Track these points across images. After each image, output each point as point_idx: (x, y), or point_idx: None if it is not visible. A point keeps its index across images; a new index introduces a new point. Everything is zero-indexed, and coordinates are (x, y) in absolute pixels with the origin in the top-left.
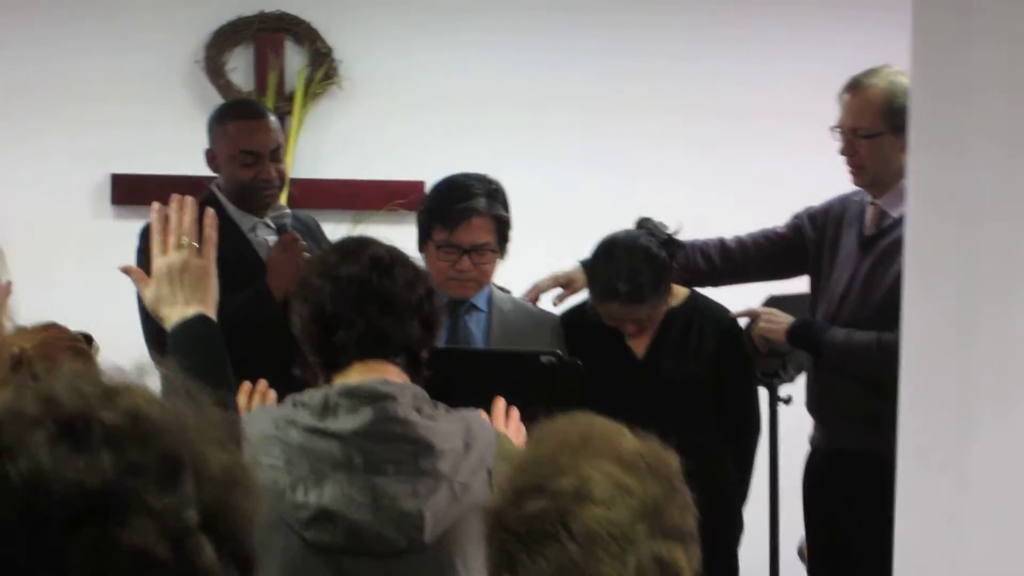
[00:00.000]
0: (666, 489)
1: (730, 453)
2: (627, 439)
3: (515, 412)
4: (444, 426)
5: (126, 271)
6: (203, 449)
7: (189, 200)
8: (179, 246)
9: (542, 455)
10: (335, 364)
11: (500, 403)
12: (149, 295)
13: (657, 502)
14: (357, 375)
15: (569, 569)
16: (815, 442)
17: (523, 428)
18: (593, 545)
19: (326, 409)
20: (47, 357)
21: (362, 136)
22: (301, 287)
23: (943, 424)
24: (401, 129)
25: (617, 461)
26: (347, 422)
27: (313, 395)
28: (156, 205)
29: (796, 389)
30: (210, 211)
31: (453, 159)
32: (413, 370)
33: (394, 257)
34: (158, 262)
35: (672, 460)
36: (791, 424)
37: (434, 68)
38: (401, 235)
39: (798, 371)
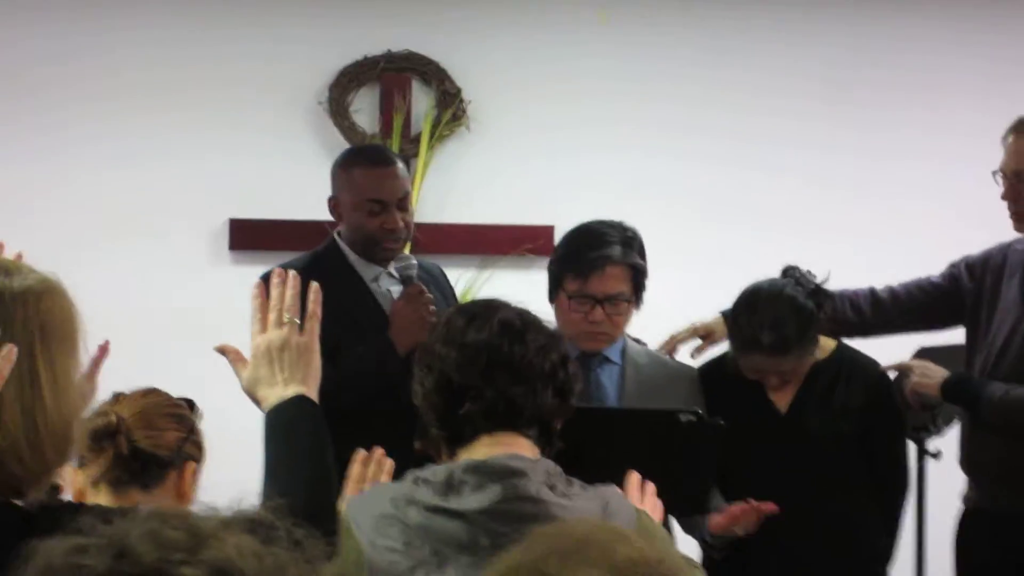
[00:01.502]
0: None
1: (877, 513)
2: (628, 546)
3: (651, 486)
4: (580, 504)
5: (221, 351)
6: None
7: (292, 274)
8: (280, 323)
9: (528, 562)
10: (460, 437)
11: (635, 477)
12: (246, 376)
13: None
14: (484, 449)
15: None
16: (969, 502)
17: (659, 504)
18: None
19: (450, 486)
20: (147, 425)
21: (490, 179)
22: (424, 354)
23: None
24: (530, 172)
25: (610, 570)
26: (473, 501)
27: (436, 471)
28: (257, 281)
29: (944, 443)
30: (314, 284)
31: (583, 204)
32: (546, 443)
33: (525, 321)
34: (257, 340)
35: (681, 571)
36: (937, 479)
37: (566, 106)
38: (529, 282)
39: (948, 423)
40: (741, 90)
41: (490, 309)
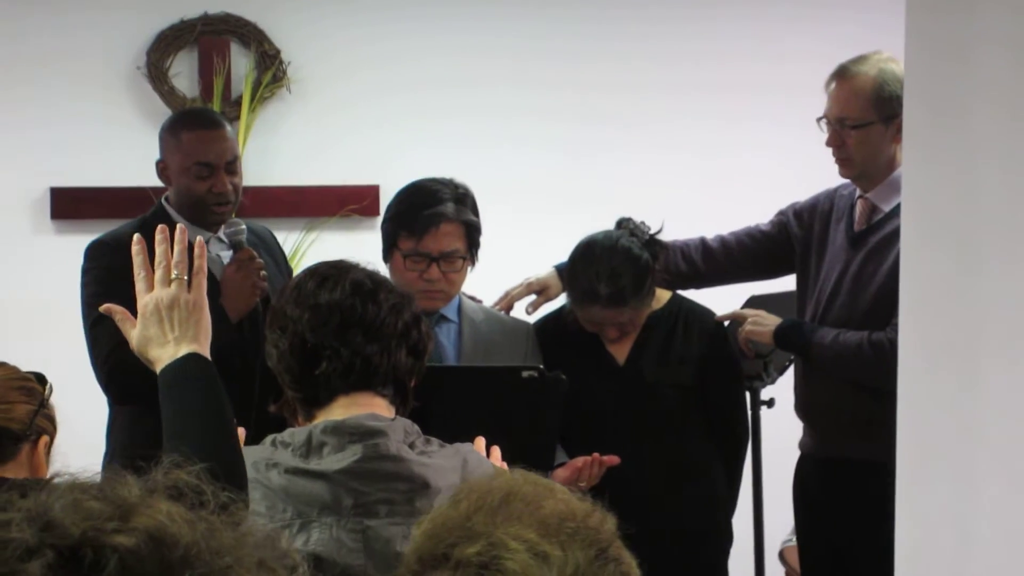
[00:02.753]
0: (593, 557)
1: (718, 462)
2: (554, 500)
3: (496, 450)
4: (439, 462)
5: (108, 312)
6: (242, 574)
7: (179, 228)
8: (167, 281)
9: (455, 518)
10: (317, 399)
11: (480, 441)
12: (136, 336)
13: (580, 570)
14: (341, 410)
15: None
16: (805, 447)
17: (505, 465)
18: None
19: (310, 448)
20: None
21: (313, 140)
22: (276, 317)
23: (944, 427)
24: (353, 131)
25: (537, 525)
26: (333, 461)
27: (295, 433)
28: (137, 236)
29: (777, 391)
30: (200, 239)
31: (409, 162)
32: (401, 402)
33: (376, 281)
34: (144, 300)
35: (607, 524)
36: (772, 427)
37: (387, 67)
38: (356, 242)
39: (780, 373)
40: (566, 46)
41: (341, 270)
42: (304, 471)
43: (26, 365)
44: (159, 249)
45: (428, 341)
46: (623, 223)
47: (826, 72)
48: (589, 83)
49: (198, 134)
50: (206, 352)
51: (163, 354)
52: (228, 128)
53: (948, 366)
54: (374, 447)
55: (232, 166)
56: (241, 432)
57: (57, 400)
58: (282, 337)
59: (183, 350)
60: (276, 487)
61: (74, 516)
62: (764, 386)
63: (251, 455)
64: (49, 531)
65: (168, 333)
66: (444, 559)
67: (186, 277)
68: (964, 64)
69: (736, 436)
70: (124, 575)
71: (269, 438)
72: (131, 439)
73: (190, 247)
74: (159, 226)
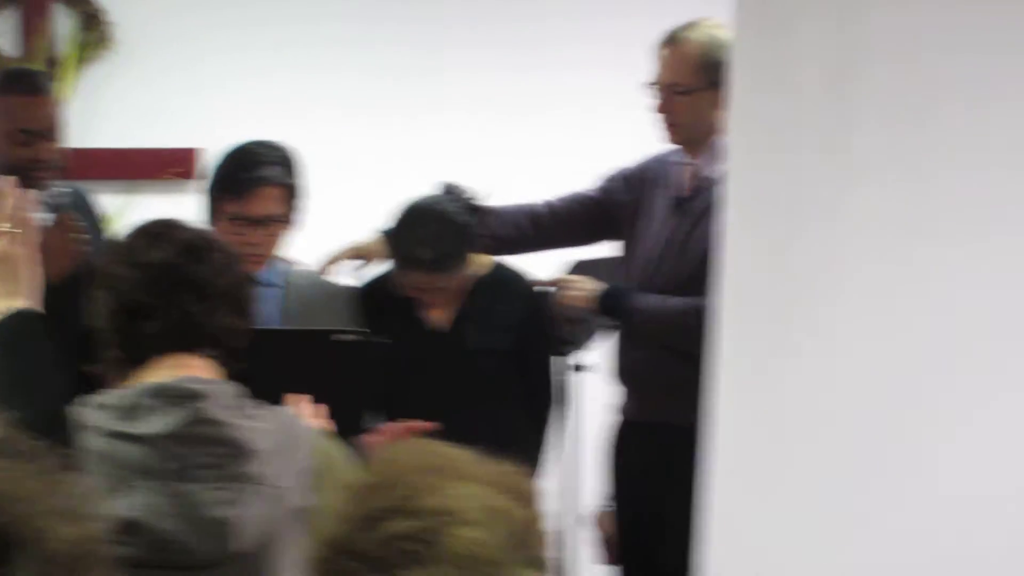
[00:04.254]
0: (533, 516)
1: (534, 425)
2: (487, 462)
3: (318, 409)
4: (261, 426)
5: None
6: (44, 523)
7: (9, 180)
8: None
9: (394, 477)
10: (141, 359)
11: (301, 400)
12: None
13: (527, 528)
14: (165, 372)
15: None
16: (624, 412)
17: (327, 424)
18: (465, 569)
19: (131, 411)
20: None
21: (136, 102)
22: (102, 276)
23: (758, 393)
24: (176, 94)
25: (484, 483)
26: (155, 425)
27: (116, 396)
28: None
29: (595, 356)
30: (29, 192)
31: (233, 126)
32: (226, 363)
33: (205, 240)
34: None
35: (534, 486)
36: (591, 391)
37: (211, 30)
38: (176, 205)
39: (601, 338)
40: (389, 9)
41: (170, 229)
42: (125, 435)
43: None
44: None
45: (254, 302)
46: (447, 188)
47: (654, 38)
48: (415, 44)
49: (20, 99)
50: (37, 306)
51: None
52: (52, 92)
53: (764, 332)
54: (196, 410)
55: (54, 132)
56: None
57: None
58: (108, 296)
59: (12, 305)
60: (96, 450)
61: None
62: (581, 351)
63: (71, 417)
64: None
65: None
66: (401, 511)
67: (17, 230)
68: (788, 33)
69: (551, 401)
70: None
71: (90, 399)
72: None
73: None
74: None
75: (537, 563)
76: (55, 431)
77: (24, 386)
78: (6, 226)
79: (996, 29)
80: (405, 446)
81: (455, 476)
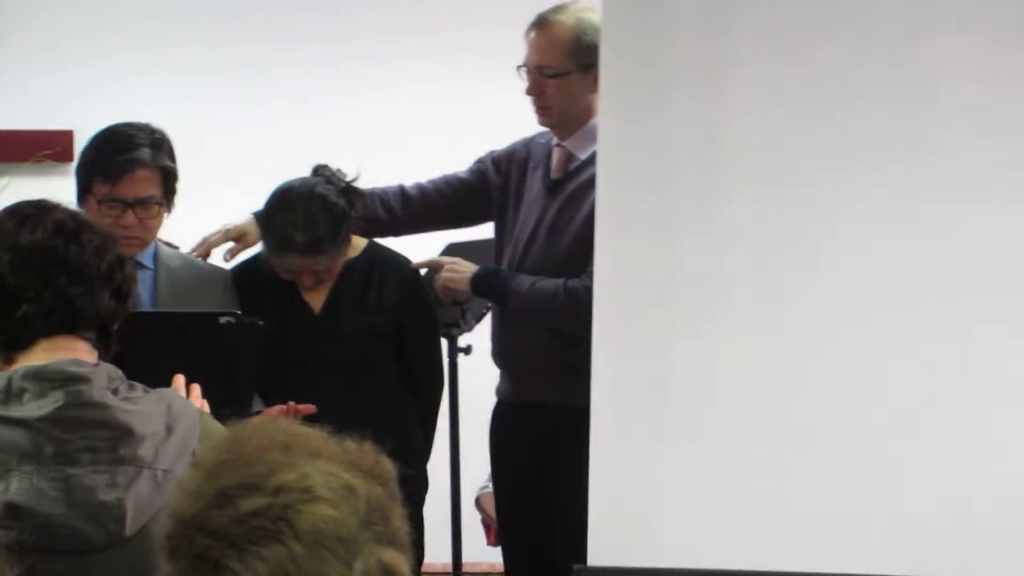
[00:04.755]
0: (388, 494)
1: (414, 409)
2: (340, 442)
3: (196, 388)
4: (144, 408)
5: None
6: None
7: None
8: None
9: (247, 455)
10: (17, 342)
11: (180, 379)
12: None
13: (382, 506)
14: (43, 355)
15: (290, 571)
16: (502, 393)
17: (206, 404)
18: (319, 546)
19: (9, 394)
20: None
21: (5, 82)
22: None
23: (637, 372)
24: (47, 74)
25: (338, 461)
26: (34, 408)
27: None
28: None
29: (474, 338)
30: None
31: (105, 107)
32: (104, 346)
33: (79, 222)
34: None
35: (389, 466)
36: (469, 374)
37: (83, 10)
38: (49, 188)
39: (478, 319)
40: None
41: (42, 210)
42: (3, 418)
43: None
44: None
45: (132, 284)
46: (319, 170)
47: (527, 17)
48: (286, 27)
49: None
50: None
51: None
52: None
53: (642, 313)
54: (76, 394)
55: None
56: None
57: None
58: None
59: None
60: None
61: None
62: (461, 333)
63: None
64: None
65: None
66: (256, 488)
67: None
68: (659, 14)
69: (430, 383)
70: None
71: None
72: None
73: None
74: None
75: (392, 540)
76: None
77: None
78: None
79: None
80: (256, 424)
81: (308, 454)
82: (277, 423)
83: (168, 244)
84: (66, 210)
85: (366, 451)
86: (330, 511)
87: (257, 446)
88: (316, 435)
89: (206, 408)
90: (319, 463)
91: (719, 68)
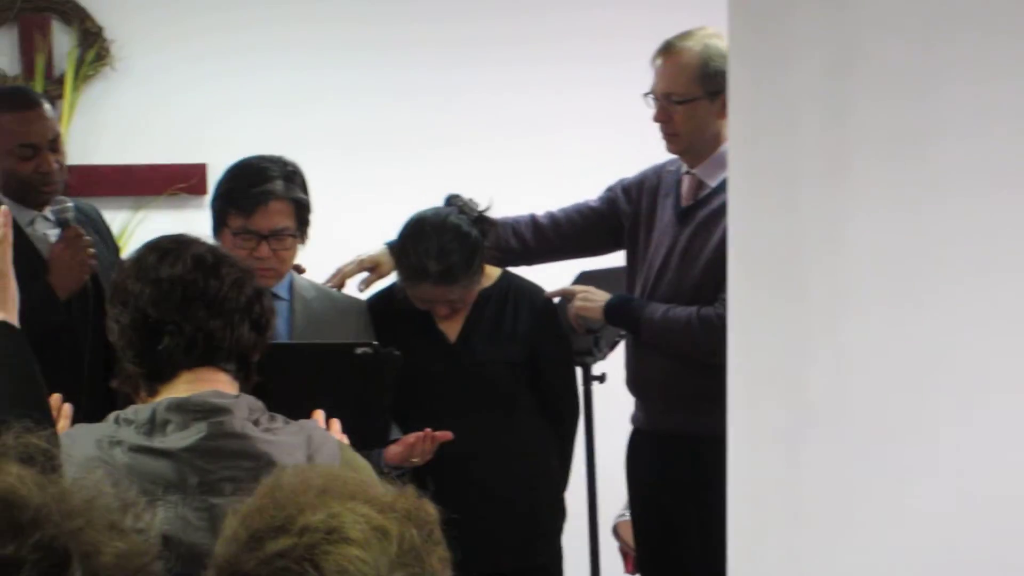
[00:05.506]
0: (426, 537)
1: (550, 438)
2: (379, 486)
3: (336, 424)
4: (284, 439)
5: None
6: (95, 538)
7: None
8: None
9: (281, 498)
10: (160, 374)
11: (319, 415)
12: None
13: (417, 548)
14: (185, 386)
15: None
16: (637, 421)
17: (345, 438)
18: None
19: (154, 425)
20: None
21: (139, 118)
22: (117, 292)
23: (773, 400)
24: (180, 110)
25: (370, 503)
26: (178, 439)
27: (138, 410)
28: None
29: (607, 366)
30: (3, 208)
31: (237, 141)
32: (244, 377)
33: (218, 256)
34: None
35: (431, 509)
36: (604, 402)
37: (211, 44)
38: (183, 221)
39: (611, 348)
40: (389, 28)
41: (181, 245)
42: (148, 449)
43: None
44: None
45: (271, 316)
46: (452, 200)
47: (655, 45)
48: (424, 65)
49: (18, 115)
50: (15, 321)
51: None
52: (47, 105)
53: (776, 340)
54: (219, 425)
55: (55, 144)
56: (67, 408)
57: None
58: (123, 312)
59: None
60: (120, 465)
61: None
62: (595, 361)
63: (94, 432)
64: None
65: None
66: (283, 530)
67: None
68: (786, 39)
69: (567, 412)
70: None
71: (112, 415)
72: None
73: None
74: None
75: None
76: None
77: (3, 396)
78: None
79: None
80: (299, 469)
81: (342, 496)
82: (314, 469)
83: (296, 268)
84: (205, 244)
85: (406, 494)
86: (358, 552)
87: (292, 490)
88: (355, 479)
89: (345, 442)
90: (352, 505)
91: (848, 92)
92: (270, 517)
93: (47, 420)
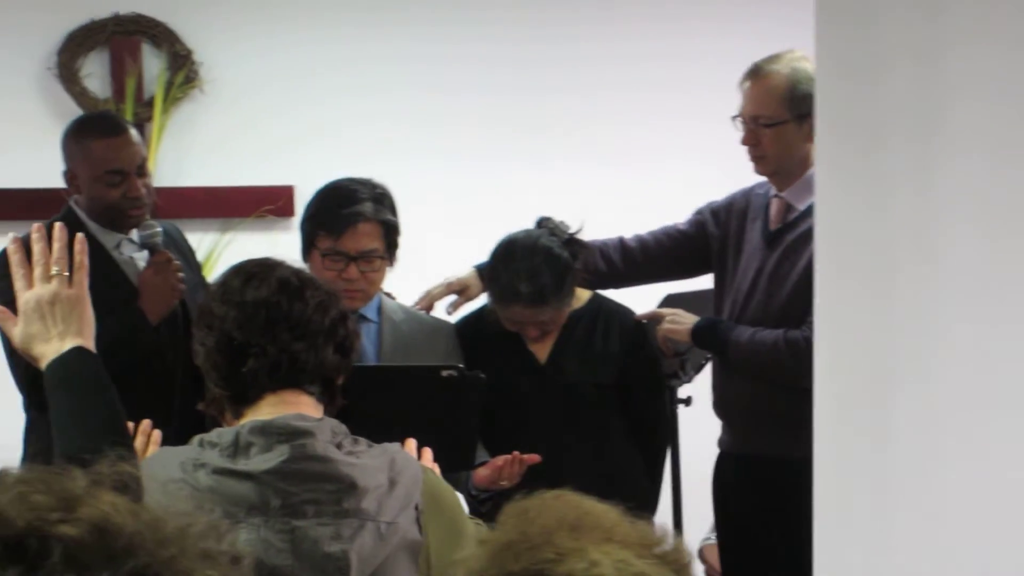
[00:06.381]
0: None
1: (639, 460)
2: (633, 522)
3: (428, 452)
4: (367, 462)
5: None
6: (188, 566)
7: (59, 226)
8: (46, 277)
9: (534, 536)
10: (245, 397)
11: (412, 444)
12: (18, 333)
13: None
14: (269, 409)
15: None
16: (724, 444)
17: (437, 467)
18: None
19: (237, 448)
20: None
21: (227, 141)
22: (203, 315)
23: (860, 423)
24: (268, 132)
25: (630, 545)
26: (261, 462)
27: (222, 433)
28: (12, 236)
29: (693, 389)
30: (80, 236)
31: (325, 163)
32: (328, 400)
33: (302, 279)
34: (24, 297)
35: (686, 550)
36: (691, 424)
37: (300, 66)
38: (271, 243)
39: (697, 371)
40: (479, 51)
41: (266, 268)
42: (231, 471)
43: None
44: (36, 247)
45: (355, 339)
46: (543, 222)
47: (742, 68)
48: (500, 87)
49: (106, 142)
50: (91, 346)
51: (47, 349)
52: (133, 131)
53: (863, 363)
54: (301, 447)
55: (142, 169)
56: (156, 435)
57: None
58: (209, 335)
59: (68, 344)
60: (204, 487)
61: (19, 508)
62: (682, 384)
63: (178, 455)
64: None
65: (51, 328)
66: (540, 574)
67: (66, 272)
68: (873, 62)
69: (657, 434)
70: (68, 564)
71: (196, 438)
72: (49, 444)
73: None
74: (34, 225)
75: None
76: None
77: (81, 422)
78: (55, 269)
79: None
80: (544, 500)
81: (598, 537)
82: (566, 498)
83: (389, 295)
84: (290, 267)
85: (661, 534)
86: None
87: (544, 527)
88: (607, 513)
89: (436, 471)
90: (610, 548)
91: (936, 114)
92: (526, 559)
93: (125, 444)
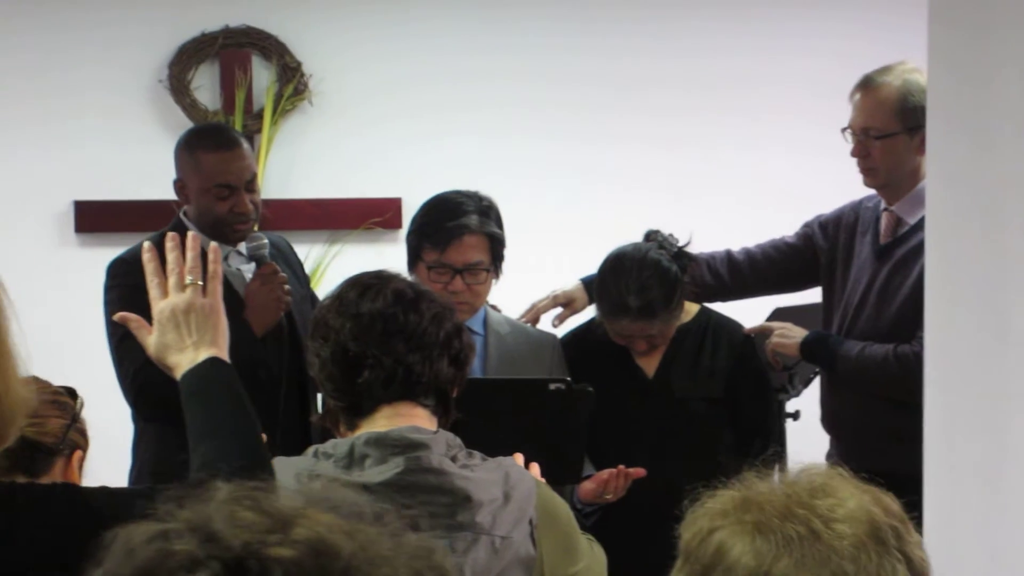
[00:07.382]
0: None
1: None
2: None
3: (535, 467)
4: (481, 475)
5: (122, 320)
6: None
7: (191, 235)
8: (181, 287)
9: (841, 548)
10: (360, 408)
11: (519, 459)
12: (153, 343)
13: None
14: (384, 421)
15: None
16: (832, 460)
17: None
18: None
19: (352, 460)
20: (30, 413)
21: (335, 153)
22: (318, 327)
23: (971, 438)
24: (375, 144)
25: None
26: (376, 474)
27: (337, 445)
28: (147, 244)
29: (802, 403)
30: (213, 245)
31: (432, 175)
32: (443, 412)
33: (418, 291)
34: (159, 306)
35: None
36: (798, 440)
37: (408, 79)
38: (378, 255)
39: (805, 385)
40: (585, 68)
41: (382, 280)
42: (348, 484)
43: (49, 378)
44: (170, 256)
45: (470, 351)
46: (651, 235)
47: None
48: (608, 105)
49: (217, 155)
50: (225, 356)
51: (182, 359)
52: (245, 145)
53: (974, 379)
54: (416, 460)
55: (251, 184)
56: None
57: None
58: (324, 346)
59: (203, 354)
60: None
61: (234, 528)
62: (790, 398)
63: (293, 466)
64: (212, 543)
65: (186, 338)
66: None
67: (200, 282)
68: (985, 79)
69: (765, 449)
70: None
71: (311, 449)
72: (157, 456)
73: (203, 253)
74: (169, 233)
75: None
76: (259, 474)
77: (219, 431)
78: (190, 278)
79: None
80: (855, 511)
81: (887, 551)
82: (857, 501)
83: (495, 308)
84: (405, 280)
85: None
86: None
87: (856, 539)
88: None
89: (542, 477)
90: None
91: None
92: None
93: (261, 456)
